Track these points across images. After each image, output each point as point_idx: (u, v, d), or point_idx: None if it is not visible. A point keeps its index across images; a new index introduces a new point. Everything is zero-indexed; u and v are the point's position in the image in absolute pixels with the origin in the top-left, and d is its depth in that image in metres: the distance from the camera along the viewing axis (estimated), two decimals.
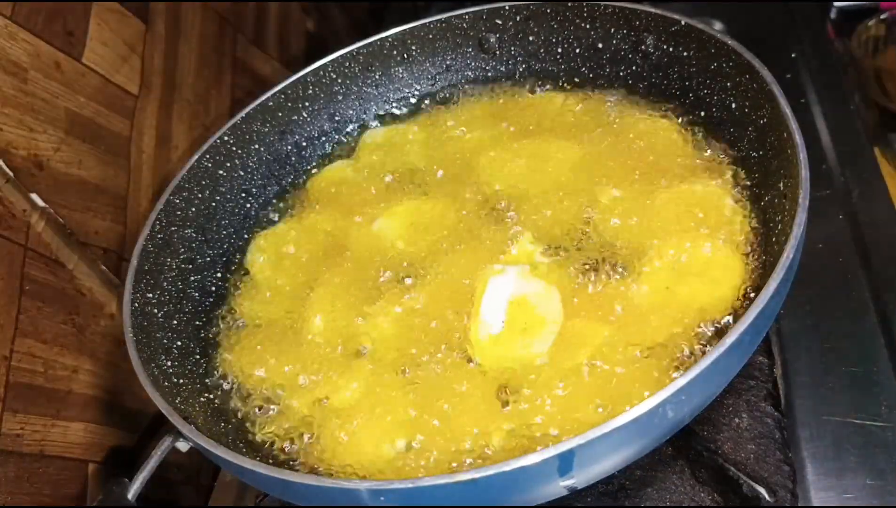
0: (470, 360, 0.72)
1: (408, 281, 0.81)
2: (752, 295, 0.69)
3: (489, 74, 1.05)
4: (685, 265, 0.73)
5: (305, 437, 0.73)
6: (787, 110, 0.71)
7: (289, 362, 0.79)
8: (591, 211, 0.82)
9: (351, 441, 0.70)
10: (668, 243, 0.75)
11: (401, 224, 0.87)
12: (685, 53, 0.88)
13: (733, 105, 0.83)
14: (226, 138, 0.95)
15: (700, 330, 0.69)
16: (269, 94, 0.99)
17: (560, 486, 0.58)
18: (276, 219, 0.97)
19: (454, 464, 0.67)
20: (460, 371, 0.72)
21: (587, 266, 0.77)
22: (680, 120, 0.89)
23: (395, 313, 0.78)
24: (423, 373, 0.73)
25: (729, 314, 0.70)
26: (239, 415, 0.77)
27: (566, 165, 0.87)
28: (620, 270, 0.76)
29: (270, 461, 0.72)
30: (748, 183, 0.79)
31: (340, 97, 1.05)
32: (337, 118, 1.05)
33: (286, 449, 0.73)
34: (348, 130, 1.06)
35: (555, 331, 0.71)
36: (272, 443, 0.74)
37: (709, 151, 0.84)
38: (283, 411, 0.76)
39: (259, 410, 0.77)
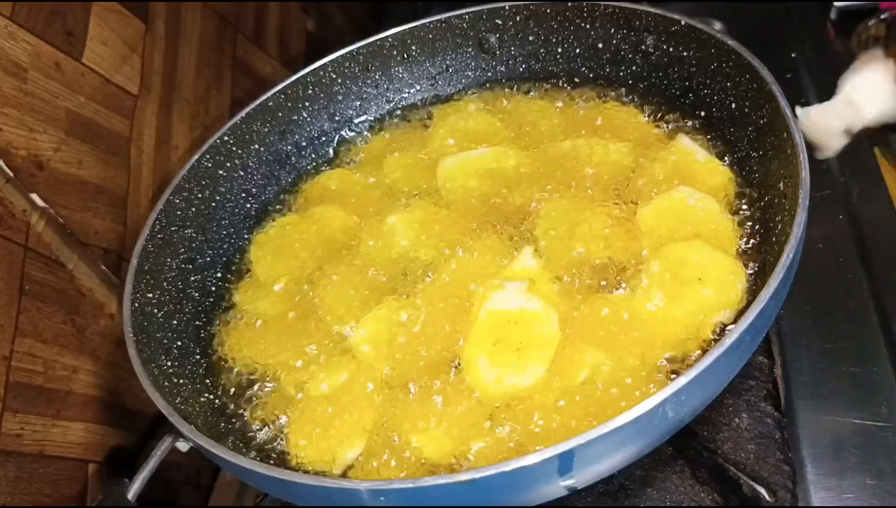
0: (462, 375, 0.72)
1: (410, 286, 0.81)
2: (753, 296, 0.69)
3: (489, 74, 1.06)
4: (686, 272, 0.72)
5: (287, 428, 0.74)
6: (787, 110, 0.71)
7: (287, 357, 0.79)
8: (593, 220, 0.80)
9: (326, 435, 0.71)
10: (670, 249, 0.74)
11: (412, 226, 0.86)
12: (685, 53, 0.88)
13: (733, 105, 0.83)
14: (226, 138, 0.95)
15: (704, 335, 0.69)
16: (269, 94, 0.99)
17: (560, 486, 0.58)
18: (277, 219, 0.97)
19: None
20: (451, 385, 0.71)
21: (589, 280, 0.76)
22: (679, 120, 0.90)
23: (393, 317, 0.78)
24: (414, 381, 0.73)
25: (729, 316, 0.69)
26: (239, 414, 0.77)
27: (570, 173, 0.87)
28: (621, 281, 0.75)
29: (271, 460, 0.72)
30: (748, 183, 0.79)
31: (340, 97, 1.05)
32: (337, 118, 1.05)
33: (283, 446, 0.73)
34: (349, 130, 1.06)
35: (551, 352, 0.70)
36: (272, 443, 0.74)
37: (709, 151, 0.84)
38: (282, 408, 0.76)
39: (257, 405, 0.77)
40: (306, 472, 0.70)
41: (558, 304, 0.74)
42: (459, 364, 0.72)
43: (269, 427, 0.75)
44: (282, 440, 0.74)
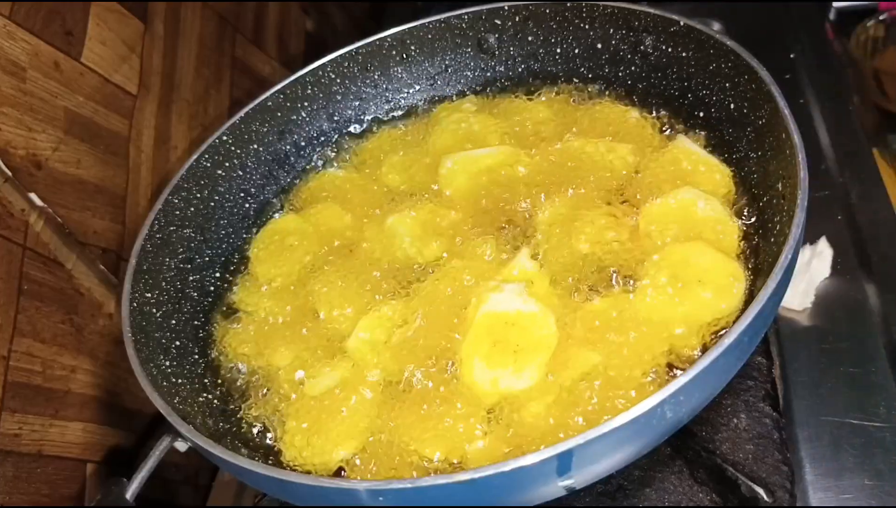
0: (459, 376, 0.71)
1: (408, 287, 0.81)
2: (751, 296, 0.69)
3: (488, 74, 1.06)
4: (687, 273, 0.71)
5: (284, 428, 0.74)
6: (786, 111, 0.71)
7: (285, 357, 0.79)
8: (592, 221, 0.80)
9: (323, 434, 0.71)
10: (672, 249, 0.74)
11: (411, 226, 0.86)
12: (684, 54, 0.88)
13: (732, 106, 0.83)
14: (225, 138, 0.95)
15: (700, 338, 0.69)
16: (268, 93, 0.98)
17: (559, 486, 0.58)
18: (276, 219, 0.97)
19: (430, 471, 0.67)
20: (448, 386, 0.71)
21: (585, 283, 0.75)
22: (678, 121, 0.90)
23: (391, 318, 0.78)
24: (411, 381, 0.73)
25: (728, 318, 0.69)
26: (237, 414, 0.77)
27: (569, 173, 0.87)
28: (620, 282, 0.75)
29: (269, 460, 0.72)
30: (747, 184, 0.79)
31: (339, 97, 1.05)
32: (336, 118, 1.05)
33: (281, 446, 0.73)
34: (348, 130, 1.06)
35: (548, 354, 0.70)
36: (270, 442, 0.74)
37: (708, 151, 0.84)
38: (280, 407, 0.76)
39: (255, 405, 0.77)
40: (303, 472, 0.70)
41: (556, 305, 0.74)
42: (456, 366, 0.72)
43: (267, 427, 0.75)
44: (280, 439, 0.74)
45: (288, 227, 0.93)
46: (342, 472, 0.70)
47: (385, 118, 1.06)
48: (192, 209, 0.91)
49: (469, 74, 1.06)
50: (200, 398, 0.77)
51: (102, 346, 0.88)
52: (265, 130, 1.00)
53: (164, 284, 0.85)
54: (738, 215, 0.77)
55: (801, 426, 0.76)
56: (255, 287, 0.88)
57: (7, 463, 0.74)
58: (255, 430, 0.75)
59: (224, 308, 0.88)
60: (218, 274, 0.92)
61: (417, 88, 1.07)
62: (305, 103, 1.02)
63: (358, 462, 0.70)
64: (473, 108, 1.01)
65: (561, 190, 0.85)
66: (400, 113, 1.06)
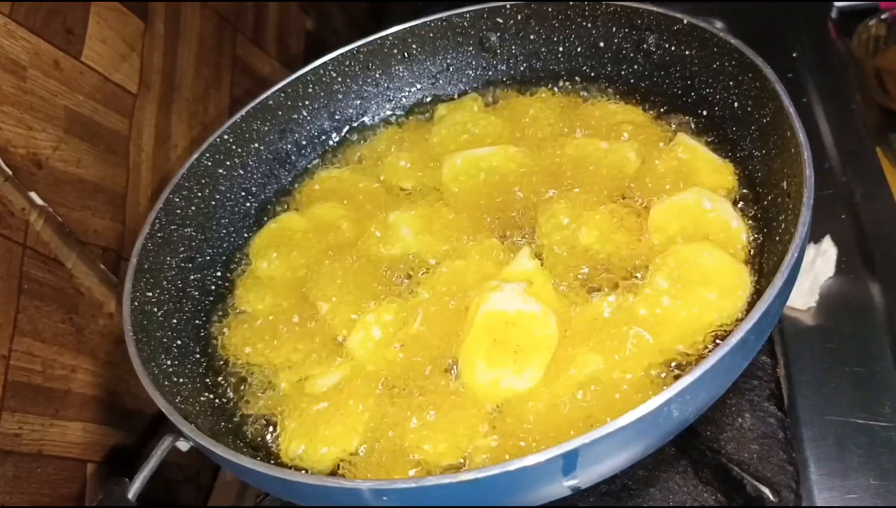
0: (459, 376, 0.71)
1: (409, 284, 0.81)
2: (756, 295, 0.69)
3: (490, 73, 1.05)
4: (692, 274, 0.71)
5: (285, 427, 0.73)
6: (791, 109, 0.71)
7: (286, 356, 0.79)
8: (595, 220, 0.79)
9: (323, 434, 0.71)
10: (678, 250, 0.73)
11: (413, 224, 0.86)
12: (687, 52, 0.88)
13: (735, 104, 0.83)
14: (226, 137, 0.95)
15: (702, 339, 0.68)
16: (268, 92, 0.98)
17: (563, 486, 0.58)
18: (277, 218, 0.97)
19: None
20: (448, 386, 0.71)
21: (587, 283, 0.75)
22: (682, 120, 0.89)
23: (391, 317, 0.78)
24: (411, 381, 0.73)
25: (732, 318, 0.69)
26: (238, 413, 0.77)
27: (572, 172, 0.86)
28: (622, 282, 0.74)
29: (270, 459, 0.72)
30: (751, 182, 0.79)
31: (340, 96, 1.04)
32: (337, 117, 1.05)
33: (282, 445, 0.73)
34: (349, 129, 1.05)
35: (549, 354, 0.69)
36: (272, 442, 0.74)
37: (711, 150, 0.84)
38: (280, 406, 0.76)
39: (256, 404, 0.77)
40: (304, 471, 0.69)
41: (557, 305, 0.73)
42: (457, 365, 0.72)
43: (268, 426, 0.75)
44: (280, 438, 0.73)
45: (289, 226, 0.93)
46: (341, 471, 0.69)
47: (386, 117, 1.06)
48: (193, 208, 0.91)
49: (471, 72, 1.06)
50: (202, 398, 0.77)
51: (103, 346, 0.88)
52: (266, 128, 1.00)
53: (165, 283, 0.84)
54: (742, 213, 0.77)
55: (805, 426, 0.75)
56: (257, 286, 0.87)
57: (7, 463, 0.74)
58: (256, 429, 0.75)
59: (225, 307, 0.88)
60: (219, 273, 0.91)
61: (419, 86, 1.07)
62: (307, 102, 1.02)
63: (358, 461, 0.69)
64: (475, 107, 1.01)
65: (563, 189, 0.85)
66: (401, 112, 1.06)
